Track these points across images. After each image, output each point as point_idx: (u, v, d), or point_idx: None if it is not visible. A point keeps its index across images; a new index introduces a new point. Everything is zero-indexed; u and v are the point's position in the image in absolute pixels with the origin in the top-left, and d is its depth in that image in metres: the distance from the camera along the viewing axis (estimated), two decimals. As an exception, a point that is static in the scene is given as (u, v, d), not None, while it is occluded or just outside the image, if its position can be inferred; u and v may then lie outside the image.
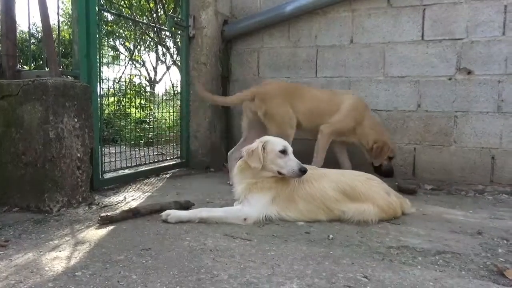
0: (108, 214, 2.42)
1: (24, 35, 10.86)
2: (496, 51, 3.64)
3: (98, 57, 3.22)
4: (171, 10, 9.58)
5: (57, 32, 3.42)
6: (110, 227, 2.34)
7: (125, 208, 2.74)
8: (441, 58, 3.84)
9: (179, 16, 4.45)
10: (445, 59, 3.83)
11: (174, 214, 2.45)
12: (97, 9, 3.20)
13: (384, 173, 3.61)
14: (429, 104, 3.91)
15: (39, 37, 12.30)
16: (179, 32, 4.47)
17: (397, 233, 2.33)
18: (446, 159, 3.86)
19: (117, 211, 2.50)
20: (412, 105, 3.96)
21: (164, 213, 2.46)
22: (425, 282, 1.67)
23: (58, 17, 3.40)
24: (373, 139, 3.59)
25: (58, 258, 1.87)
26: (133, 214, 2.50)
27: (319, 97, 3.73)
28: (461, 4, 3.74)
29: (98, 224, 2.37)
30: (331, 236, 2.24)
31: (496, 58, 3.65)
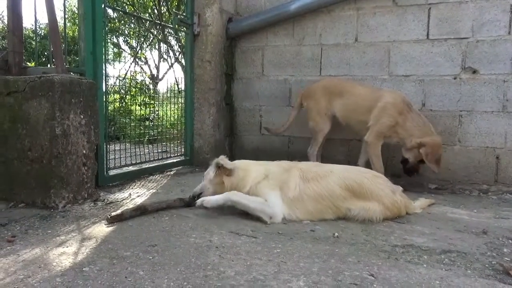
0: (117, 213, 2.39)
1: (27, 32, 10.88)
2: (501, 50, 3.63)
3: (103, 54, 3.23)
4: (175, 8, 9.57)
5: (63, 29, 3.42)
6: (116, 223, 2.35)
7: (131, 204, 2.76)
8: (446, 57, 3.83)
9: (184, 14, 4.45)
10: (450, 58, 3.82)
11: (208, 199, 2.49)
12: (103, 6, 3.20)
13: (405, 170, 3.56)
14: (433, 103, 3.90)
15: (42, 34, 12.31)
16: (184, 29, 4.47)
17: (402, 231, 2.34)
18: (450, 159, 3.86)
19: (125, 209, 2.49)
20: (416, 104, 3.94)
21: (199, 200, 2.50)
22: (431, 280, 1.68)
23: (64, 14, 3.41)
24: (416, 138, 3.42)
25: (65, 254, 1.88)
26: (141, 212, 2.50)
27: (358, 92, 3.73)
28: (467, 3, 3.73)
29: (106, 223, 2.34)
30: (336, 234, 2.25)
31: (501, 58, 3.64)
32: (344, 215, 2.51)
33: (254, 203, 2.46)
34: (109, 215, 2.38)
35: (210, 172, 2.72)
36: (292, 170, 2.60)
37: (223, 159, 2.66)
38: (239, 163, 2.74)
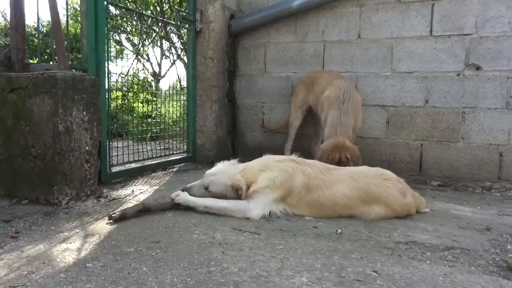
0: (121, 213, 2.34)
1: (29, 29, 10.90)
2: (505, 46, 3.61)
3: (106, 51, 3.22)
4: (177, 5, 9.55)
5: (65, 26, 3.42)
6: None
7: (134, 201, 2.76)
8: (450, 54, 3.81)
9: (186, 10, 4.44)
10: (453, 54, 3.80)
11: (183, 196, 2.54)
12: (105, 3, 3.20)
13: None
14: (436, 100, 3.89)
15: (44, 31, 12.32)
16: (186, 26, 4.46)
17: (405, 228, 2.33)
18: (453, 156, 3.85)
19: (128, 208, 2.45)
20: (419, 101, 3.94)
21: (174, 194, 2.56)
22: (435, 277, 1.67)
23: (67, 12, 3.40)
24: (325, 136, 3.40)
25: (68, 250, 1.89)
26: (143, 210, 2.48)
27: (321, 82, 3.91)
28: (471, -1, 3.71)
29: (110, 221, 2.31)
30: (339, 230, 2.25)
31: (505, 54, 3.62)
32: (353, 215, 2.50)
33: (229, 207, 2.47)
34: (111, 216, 2.31)
35: (216, 188, 2.58)
36: (297, 175, 2.48)
37: (242, 184, 2.49)
38: (247, 171, 2.58)
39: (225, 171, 2.62)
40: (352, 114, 3.39)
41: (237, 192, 2.50)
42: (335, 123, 3.34)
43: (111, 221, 2.30)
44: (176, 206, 2.60)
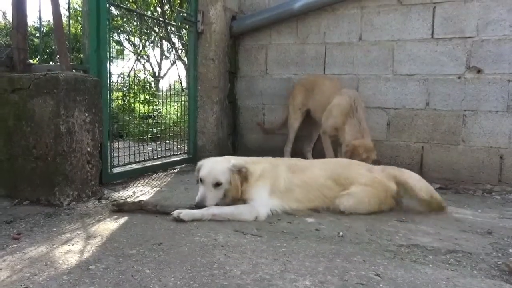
0: (119, 206, 2.52)
1: (29, 29, 10.88)
2: (506, 50, 3.62)
3: (107, 51, 3.22)
4: (177, 6, 9.55)
5: (66, 26, 3.42)
6: (121, 221, 2.35)
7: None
8: (451, 57, 3.81)
9: (187, 11, 4.44)
10: (454, 57, 3.80)
11: (186, 212, 2.39)
12: (107, 4, 3.20)
13: None
14: (437, 103, 3.89)
15: (44, 31, 12.31)
16: (187, 27, 4.46)
17: (407, 231, 2.34)
18: (454, 158, 3.85)
19: (130, 202, 2.59)
20: (420, 104, 3.94)
21: (175, 212, 2.39)
22: (437, 281, 1.67)
23: (69, 12, 3.40)
24: (347, 141, 3.59)
25: (71, 252, 1.88)
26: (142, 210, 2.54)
27: (324, 90, 3.97)
28: (472, 2, 3.71)
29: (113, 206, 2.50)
30: (341, 233, 2.25)
31: (506, 57, 3.62)
32: (335, 206, 2.63)
33: (236, 211, 2.47)
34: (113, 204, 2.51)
35: (225, 177, 2.51)
36: (280, 166, 2.74)
37: (246, 165, 2.59)
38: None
39: (217, 160, 2.68)
40: (364, 119, 3.71)
41: (240, 174, 2.53)
42: (357, 129, 3.63)
43: (113, 205, 2.56)
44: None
